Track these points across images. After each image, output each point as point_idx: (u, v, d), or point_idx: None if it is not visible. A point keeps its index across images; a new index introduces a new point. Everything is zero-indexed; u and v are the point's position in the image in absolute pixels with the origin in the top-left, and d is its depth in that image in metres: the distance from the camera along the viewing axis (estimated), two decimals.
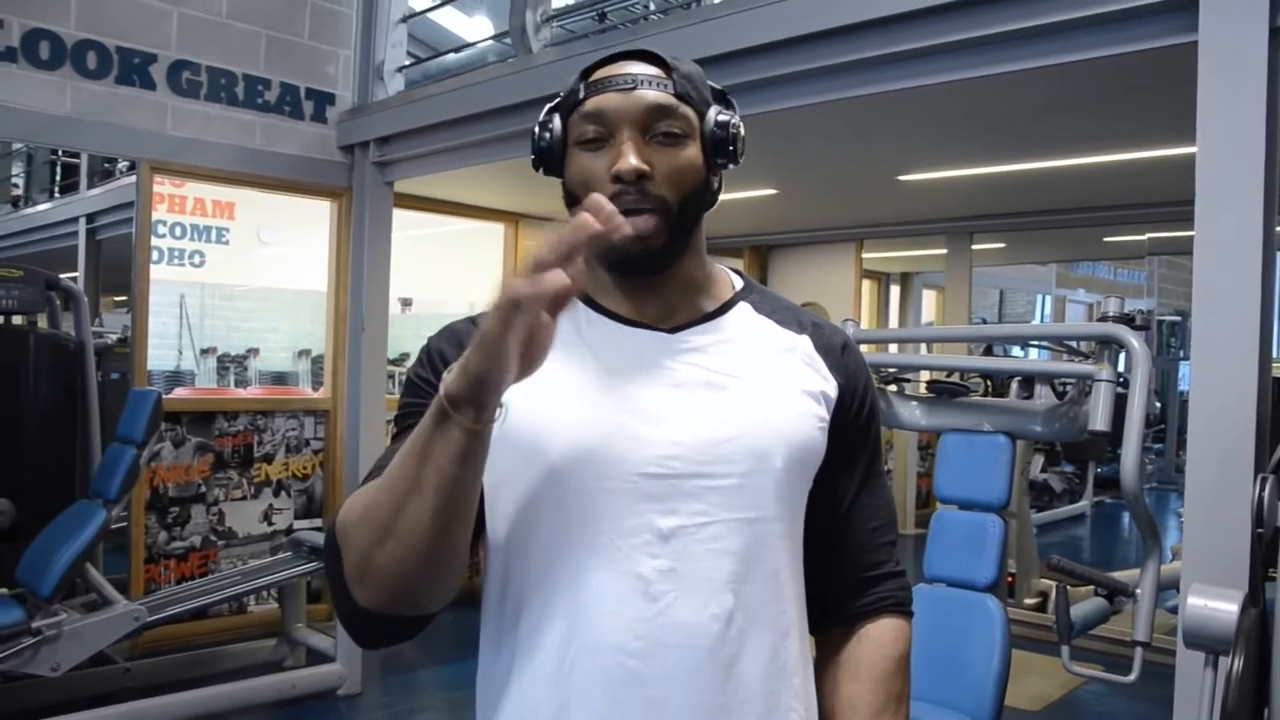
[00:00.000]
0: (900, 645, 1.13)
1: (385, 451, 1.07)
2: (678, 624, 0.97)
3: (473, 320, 1.10)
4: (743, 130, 1.07)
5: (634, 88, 1.02)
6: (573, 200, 1.06)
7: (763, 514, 1.02)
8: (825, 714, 1.10)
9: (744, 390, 1.04)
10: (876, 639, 1.12)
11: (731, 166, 1.08)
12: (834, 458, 1.10)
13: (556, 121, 1.07)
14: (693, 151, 1.04)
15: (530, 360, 0.84)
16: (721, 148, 1.06)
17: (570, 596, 0.99)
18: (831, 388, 1.10)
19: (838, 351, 1.12)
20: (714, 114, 1.06)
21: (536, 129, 1.08)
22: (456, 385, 0.84)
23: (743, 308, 1.12)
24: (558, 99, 1.09)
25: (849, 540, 1.14)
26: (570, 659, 0.99)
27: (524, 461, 1.01)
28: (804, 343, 1.11)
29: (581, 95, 1.04)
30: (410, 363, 1.18)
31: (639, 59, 1.05)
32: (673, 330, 1.07)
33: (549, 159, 1.08)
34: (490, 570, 1.06)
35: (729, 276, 1.16)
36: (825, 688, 1.11)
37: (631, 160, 1.00)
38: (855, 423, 1.12)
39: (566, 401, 1.02)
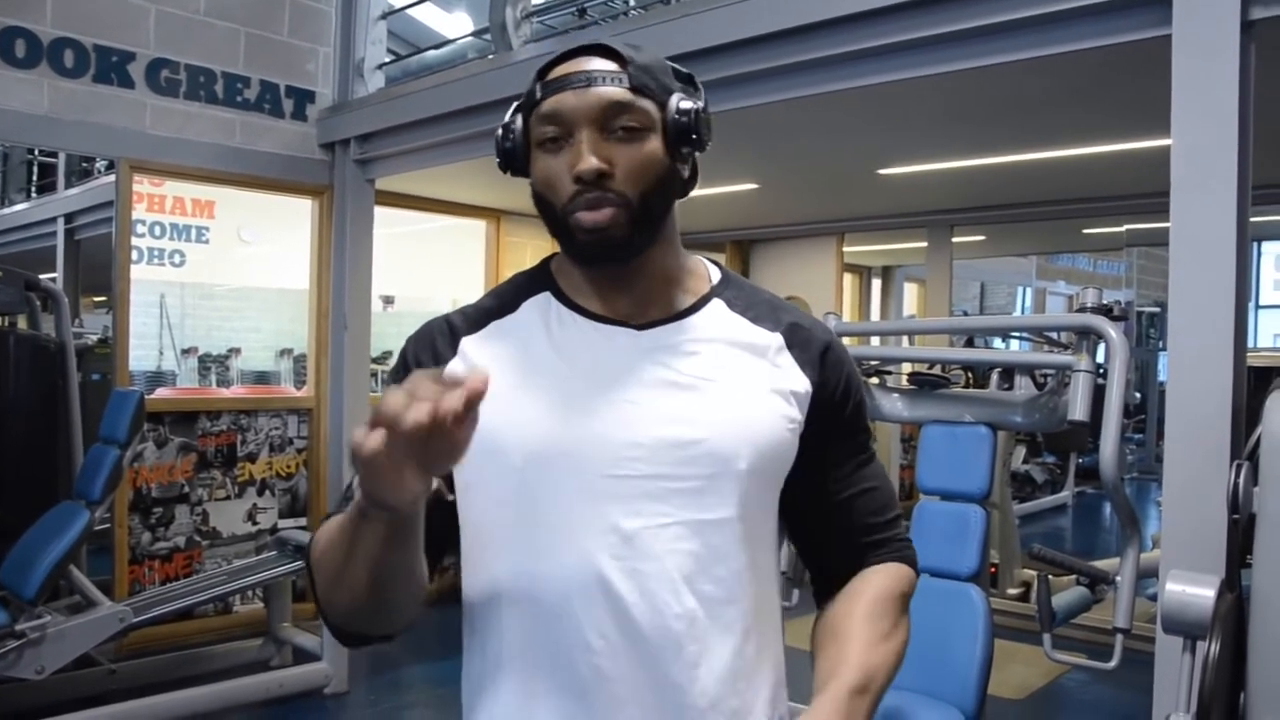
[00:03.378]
0: (903, 583, 1.13)
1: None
2: (640, 624, 0.99)
3: (447, 318, 1.11)
4: (705, 115, 1.06)
5: (589, 85, 1.02)
6: (538, 200, 1.06)
7: (726, 515, 1.02)
8: (817, 640, 1.10)
9: (711, 392, 1.04)
10: (879, 571, 1.13)
11: (698, 153, 1.08)
12: (823, 451, 1.10)
13: (519, 123, 1.07)
14: (653, 144, 1.03)
15: (442, 460, 0.84)
16: (684, 136, 1.05)
17: (537, 597, 1.00)
18: (804, 385, 1.09)
19: (813, 348, 1.11)
20: (675, 102, 1.05)
21: (500, 131, 1.08)
22: (362, 492, 0.86)
23: (716, 304, 1.11)
24: (520, 100, 1.09)
25: (853, 524, 1.14)
26: (536, 658, 1.00)
27: (490, 464, 1.02)
28: (777, 340, 1.10)
29: (539, 95, 1.04)
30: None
31: (596, 54, 1.04)
32: (643, 327, 1.07)
33: (514, 161, 1.08)
34: (465, 570, 1.08)
35: (706, 269, 1.16)
36: (821, 619, 1.12)
37: (591, 161, 1.00)
38: (839, 414, 1.12)
39: (529, 404, 1.02)
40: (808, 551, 1.17)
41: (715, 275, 1.15)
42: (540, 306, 1.10)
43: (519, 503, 1.02)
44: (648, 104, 1.03)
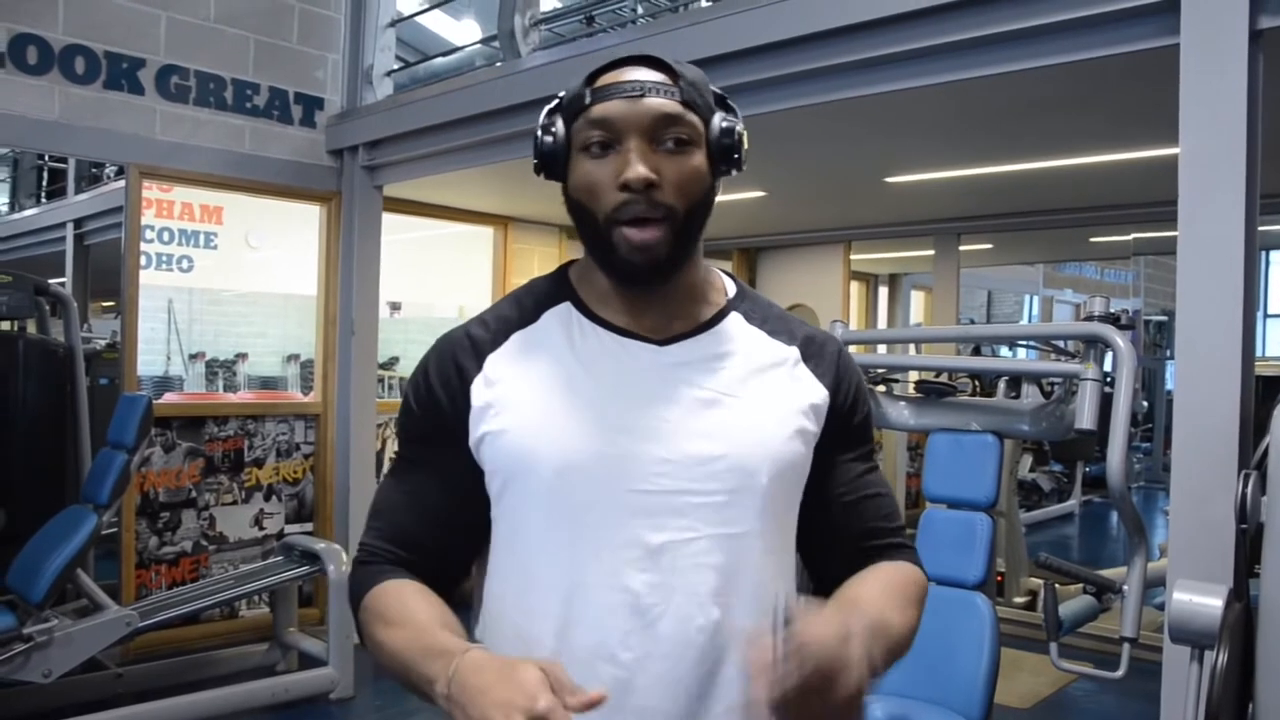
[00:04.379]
0: (915, 575, 1.12)
1: (386, 486, 1.13)
2: (665, 636, 1.00)
3: (467, 330, 1.11)
4: (745, 136, 1.07)
5: (642, 95, 1.02)
6: (576, 207, 1.06)
7: (748, 529, 1.03)
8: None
9: (733, 407, 1.05)
10: (889, 565, 1.12)
11: (734, 173, 1.08)
12: (832, 457, 1.11)
13: (560, 125, 1.06)
14: (699, 159, 1.04)
15: None
16: (727, 155, 1.06)
17: (562, 609, 1.01)
18: (821, 397, 1.10)
19: (828, 360, 1.13)
20: (718, 121, 1.05)
21: (539, 131, 1.07)
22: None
23: (734, 318, 1.12)
24: (558, 101, 1.08)
25: (861, 529, 1.14)
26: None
27: (516, 478, 1.04)
28: (794, 354, 1.11)
29: (588, 101, 1.03)
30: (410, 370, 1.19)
31: (644, 64, 1.05)
32: (666, 341, 1.07)
33: (551, 163, 1.07)
34: (490, 577, 1.09)
35: (722, 280, 1.16)
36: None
37: (640, 169, 1.00)
38: (849, 421, 1.13)
39: (558, 419, 1.03)
40: (812, 556, 1.17)
41: (731, 288, 1.16)
42: (561, 318, 1.10)
43: (547, 516, 1.03)
44: (695, 119, 1.04)
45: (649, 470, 1.01)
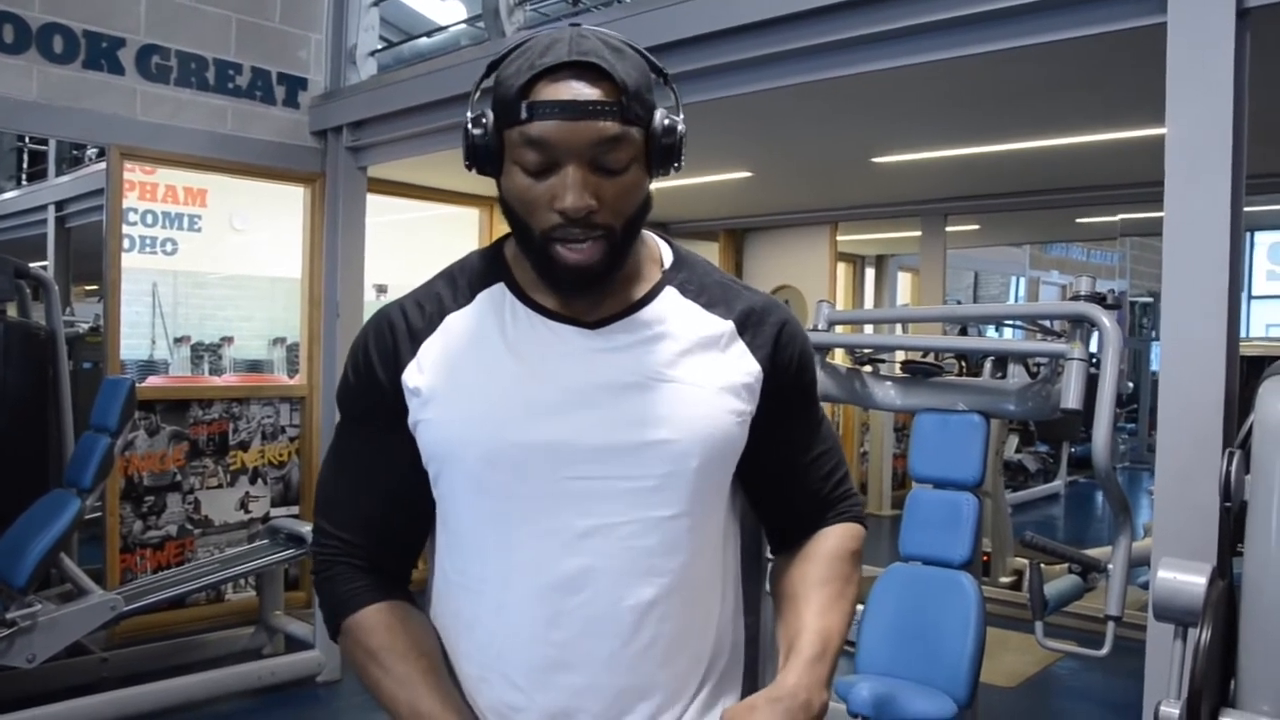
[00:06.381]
0: (853, 541, 1.19)
1: (333, 467, 1.13)
2: (596, 616, 1.02)
3: (404, 311, 1.10)
4: (684, 133, 1.04)
5: (582, 118, 0.96)
6: (510, 212, 1.04)
7: (678, 511, 1.05)
8: (778, 598, 1.16)
9: (664, 391, 1.05)
10: (831, 533, 1.18)
11: (674, 171, 1.07)
12: (780, 425, 1.13)
13: (490, 123, 1.01)
14: (637, 173, 1.02)
15: None
16: (666, 159, 1.04)
17: (497, 591, 1.04)
18: (754, 374, 1.10)
19: (767, 331, 1.12)
20: (659, 121, 1.02)
21: (469, 125, 1.02)
22: None
23: (669, 293, 1.10)
24: (488, 85, 1.05)
25: (809, 487, 1.19)
26: (498, 647, 1.04)
27: (446, 467, 1.05)
28: (728, 328, 1.10)
29: (524, 115, 0.97)
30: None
31: (583, 73, 0.98)
32: (597, 324, 1.06)
33: (482, 164, 1.04)
34: (434, 554, 1.13)
35: (659, 250, 1.14)
36: (782, 577, 1.17)
37: (579, 200, 0.97)
38: (794, 390, 1.15)
39: (485, 408, 1.03)
40: (768, 514, 1.21)
41: (668, 258, 1.14)
42: (494, 300, 1.09)
43: (476, 505, 1.05)
44: (637, 134, 1.00)
45: (576, 458, 1.02)
